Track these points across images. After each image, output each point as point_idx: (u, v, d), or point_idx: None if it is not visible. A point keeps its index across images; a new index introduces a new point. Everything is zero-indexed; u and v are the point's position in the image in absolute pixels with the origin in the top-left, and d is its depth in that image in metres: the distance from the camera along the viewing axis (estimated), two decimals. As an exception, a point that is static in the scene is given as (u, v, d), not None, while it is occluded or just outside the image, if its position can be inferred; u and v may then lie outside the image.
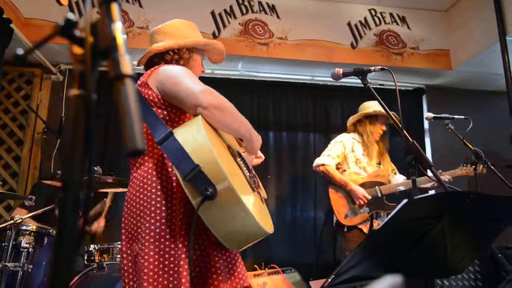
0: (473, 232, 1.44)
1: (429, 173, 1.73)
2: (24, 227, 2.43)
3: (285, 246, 4.11)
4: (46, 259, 2.49)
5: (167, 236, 1.43)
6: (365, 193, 2.98)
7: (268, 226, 1.46)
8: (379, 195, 3.04)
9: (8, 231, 2.39)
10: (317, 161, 3.20)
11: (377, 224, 3.05)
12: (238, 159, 1.61)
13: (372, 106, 3.21)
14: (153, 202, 1.46)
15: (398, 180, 3.27)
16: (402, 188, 3.08)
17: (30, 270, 2.37)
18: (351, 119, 3.34)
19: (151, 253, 1.40)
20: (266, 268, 3.14)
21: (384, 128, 3.22)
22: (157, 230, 1.43)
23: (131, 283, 1.46)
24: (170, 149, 1.39)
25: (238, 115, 1.53)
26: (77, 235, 0.60)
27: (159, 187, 1.49)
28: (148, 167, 1.54)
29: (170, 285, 1.38)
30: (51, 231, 2.53)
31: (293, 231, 4.15)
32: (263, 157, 2.05)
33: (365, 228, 3.00)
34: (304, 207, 4.15)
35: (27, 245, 2.39)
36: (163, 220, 1.44)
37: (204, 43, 1.85)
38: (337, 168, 3.16)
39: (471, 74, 4.33)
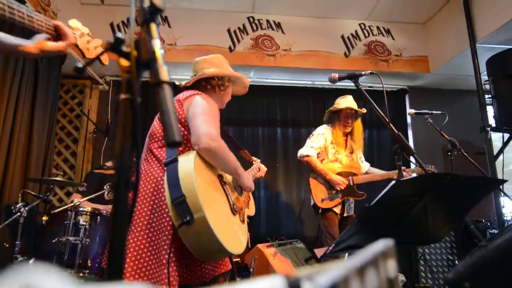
0: (450, 207, 1.43)
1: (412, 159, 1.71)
2: (81, 209, 2.47)
3: (292, 222, 4.13)
4: (99, 234, 2.54)
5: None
6: (343, 180, 2.90)
7: (237, 246, 1.48)
8: (352, 184, 2.96)
9: (69, 212, 2.43)
10: (302, 152, 3.04)
11: (346, 207, 2.99)
12: (228, 186, 1.62)
13: (338, 103, 3.09)
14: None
15: (365, 168, 3.20)
16: (369, 180, 3.00)
17: (87, 243, 2.42)
18: (326, 115, 3.21)
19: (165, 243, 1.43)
20: (277, 240, 3.15)
21: (349, 121, 3.04)
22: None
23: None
24: (170, 172, 1.41)
25: (227, 159, 1.52)
26: (128, 211, 0.62)
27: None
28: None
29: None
30: (102, 211, 2.58)
31: (298, 209, 4.16)
32: (263, 170, 2.04)
33: (337, 210, 2.93)
34: (307, 189, 4.14)
35: (84, 223, 2.43)
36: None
37: (239, 76, 1.85)
38: (317, 157, 3.03)
39: (446, 76, 4.25)
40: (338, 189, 2.90)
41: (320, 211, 2.93)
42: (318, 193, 2.96)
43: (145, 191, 1.50)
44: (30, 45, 1.16)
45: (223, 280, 1.62)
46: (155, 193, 1.48)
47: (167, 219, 1.42)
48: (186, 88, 1.76)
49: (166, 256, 1.37)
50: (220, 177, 1.60)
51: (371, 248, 0.45)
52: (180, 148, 1.53)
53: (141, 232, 1.44)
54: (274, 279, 0.26)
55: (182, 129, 1.53)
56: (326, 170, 2.94)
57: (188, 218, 1.31)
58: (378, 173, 3.12)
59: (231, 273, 1.67)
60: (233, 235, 1.51)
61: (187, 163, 1.42)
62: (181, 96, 1.61)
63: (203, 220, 1.33)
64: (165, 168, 1.49)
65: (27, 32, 1.14)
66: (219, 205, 1.51)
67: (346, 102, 3.07)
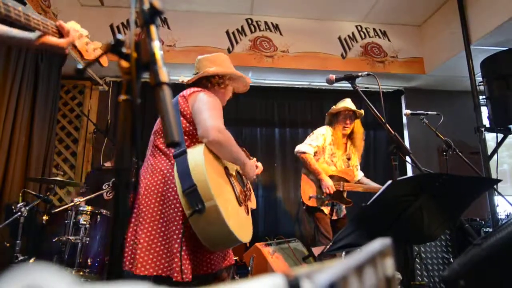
0: (445, 206, 1.44)
1: (408, 159, 1.72)
2: (81, 208, 2.47)
3: (290, 221, 4.13)
4: (99, 233, 2.53)
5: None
6: (332, 185, 2.86)
7: (245, 235, 1.50)
8: (341, 189, 2.94)
9: (69, 211, 2.43)
10: (299, 148, 3.02)
11: (335, 211, 2.98)
12: (233, 178, 1.64)
13: (337, 105, 3.09)
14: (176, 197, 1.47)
15: (359, 176, 3.19)
16: (360, 190, 2.99)
17: (87, 242, 2.42)
18: (326, 119, 3.21)
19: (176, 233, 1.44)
20: (275, 239, 3.15)
21: (348, 122, 3.03)
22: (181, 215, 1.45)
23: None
24: (180, 163, 1.42)
25: (234, 151, 1.56)
26: (128, 211, 0.62)
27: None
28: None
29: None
30: (102, 211, 2.57)
31: (296, 209, 4.16)
32: (260, 168, 2.04)
33: (325, 210, 2.91)
34: (304, 189, 4.15)
35: (84, 222, 2.43)
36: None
37: (240, 75, 1.86)
38: (314, 155, 3.01)
39: (441, 77, 4.26)
40: (326, 192, 2.86)
41: (311, 210, 2.91)
42: (307, 190, 2.95)
43: (153, 184, 1.51)
44: (32, 35, 1.18)
45: (227, 275, 1.63)
46: (162, 185, 1.49)
47: (177, 209, 1.43)
48: (188, 85, 1.77)
49: (177, 246, 1.38)
50: (226, 169, 1.62)
51: (369, 247, 0.45)
52: (187, 143, 1.55)
53: (151, 224, 1.44)
54: (274, 277, 0.26)
55: (188, 124, 1.56)
56: (319, 170, 2.92)
57: (199, 207, 1.32)
58: (371, 184, 3.09)
59: (232, 269, 1.68)
60: (241, 224, 1.52)
61: (196, 154, 1.44)
62: (186, 92, 1.64)
63: (215, 208, 1.34)
64: (172, 161, 1.50)
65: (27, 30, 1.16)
66: (227, 195, 1.53)
67: (344, 103, 3.08)
